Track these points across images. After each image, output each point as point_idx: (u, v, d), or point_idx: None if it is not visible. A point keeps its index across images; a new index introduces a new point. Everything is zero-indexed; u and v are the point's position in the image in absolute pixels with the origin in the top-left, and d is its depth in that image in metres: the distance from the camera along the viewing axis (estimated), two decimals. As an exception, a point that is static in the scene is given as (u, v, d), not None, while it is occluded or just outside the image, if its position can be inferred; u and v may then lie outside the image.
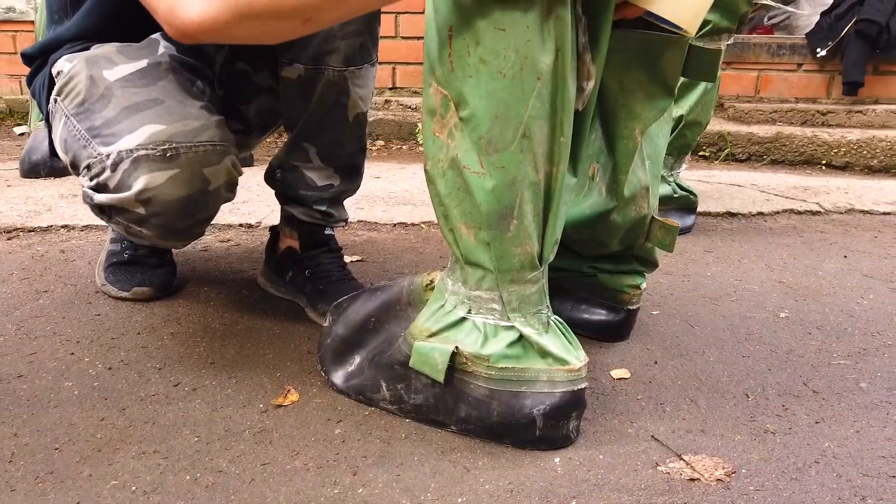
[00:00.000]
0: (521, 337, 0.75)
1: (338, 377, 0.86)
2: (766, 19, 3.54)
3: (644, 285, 1.03)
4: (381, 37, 2.84)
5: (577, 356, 0.75)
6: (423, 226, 1.68)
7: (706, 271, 1.40)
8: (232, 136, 0.89)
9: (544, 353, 0.74)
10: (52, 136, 0.95)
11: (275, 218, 1.61)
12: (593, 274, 1.04)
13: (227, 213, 1.66)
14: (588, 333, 1.05)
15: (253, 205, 1.77)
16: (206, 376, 0.90)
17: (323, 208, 1.10)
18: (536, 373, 0.74)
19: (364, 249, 1.48)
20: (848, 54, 2.71)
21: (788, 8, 3.55)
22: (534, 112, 0.66)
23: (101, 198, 0.84)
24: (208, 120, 0.85)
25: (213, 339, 1.01)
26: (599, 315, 1.05)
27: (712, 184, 2.21)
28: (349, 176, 1.10)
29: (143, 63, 0.88)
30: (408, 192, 1.97)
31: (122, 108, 0.83)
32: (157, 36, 0.97)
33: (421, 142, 2.99)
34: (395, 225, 1.68)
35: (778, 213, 1.92)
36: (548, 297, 0.77)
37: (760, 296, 1.27)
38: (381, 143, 2.88)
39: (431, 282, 0.83)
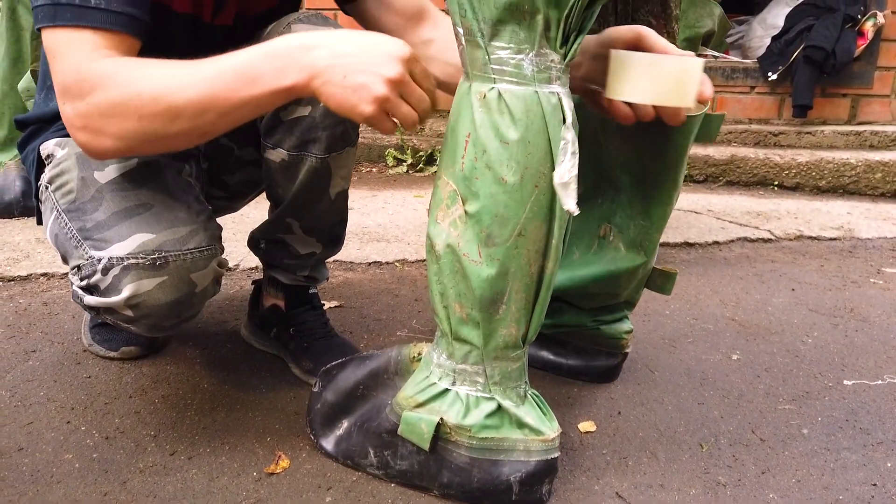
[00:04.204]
0: (500, 408, 0.82)
1: (327, 442, 0.93)
2: (720, 39, 3.68)
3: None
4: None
5: (551, 427, 0.83)
6: (396, 264, 1.74)
7: (665, 309, 1.50)
8: (219, 230, 0.94)
9: (521, 425, 0.82)
10: (43, 221, 0.97)
11: (253, 259, 1.65)
12: (596, 327, 1.12)
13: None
14: (590, 380, 1.14)
15: (230, 245, 1.80)
16: (200, 443, 0.95)
17: (306, 273, 1.16)
18: (514, 442, 0.82)
19: (341, 293, 1.54)
20: (797, 78, 2.85)
21: (741, 27, 3.70)
22: (531, 214, 0.74)
23: (90, 300, 0.88)
24: (196, 223, 0.89)
25: (202, 401, 1.07)
26: (600, 362, 1.15)
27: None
28: (331, 244, 1.16)
29: (133, 163, 0.91)
30: (381, 227, 2.03)
31: (113, 213, 0.87)
32: None
33: (391, 164, 3.05)
34: (370, 264, 1.74)
35: (732, 241, 2.03)
36: (527, 372, 0.85)
37: (715, 336, 1.36)
38: (351, 167, 2.92)
39: (419, 354, 0.90)
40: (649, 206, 0.95)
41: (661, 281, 1.05)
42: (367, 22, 1.08)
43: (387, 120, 0.74)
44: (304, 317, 1.18)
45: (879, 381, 1.19)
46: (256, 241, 1.18)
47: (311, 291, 1.21)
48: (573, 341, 1.15)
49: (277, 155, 1.05)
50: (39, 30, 0.78)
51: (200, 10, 0.96)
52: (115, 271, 0.85)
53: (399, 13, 1.05)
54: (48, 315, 1.37)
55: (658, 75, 0.70)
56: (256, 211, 1.43)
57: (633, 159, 0.94)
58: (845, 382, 1.18)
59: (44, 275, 1.58)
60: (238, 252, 1.75)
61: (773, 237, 2.07)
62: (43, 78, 1.05)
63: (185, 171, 1.00)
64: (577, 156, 0.72)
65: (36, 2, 0.78)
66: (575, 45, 0.72)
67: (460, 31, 0.74)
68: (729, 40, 3.64)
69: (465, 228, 0.76)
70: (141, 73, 0.74)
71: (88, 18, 0.76)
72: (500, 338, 0.79)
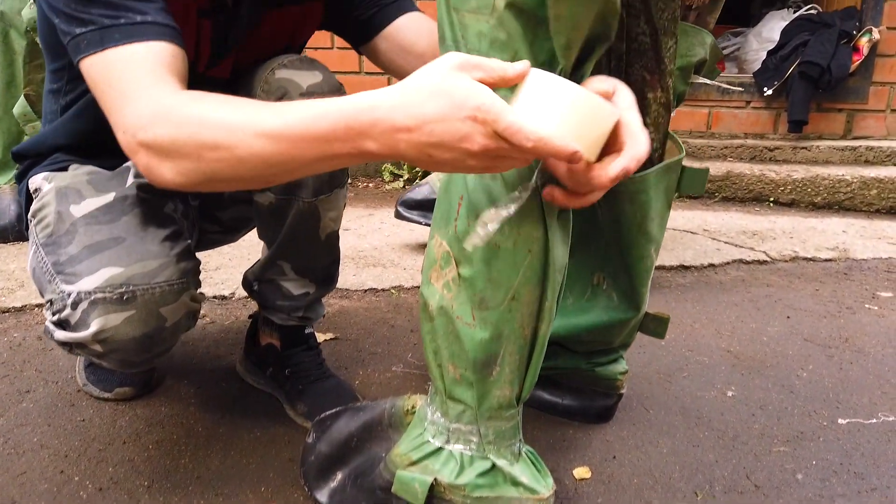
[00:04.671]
0: (495, 467, 0.82)
1: (321, 494, 0.92)
2: (716, 50, 3.68)
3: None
4: (346, 72, 2.88)
5: (545, 485, 0.83)
6: (392, 291, 1.74)
7: (660, 340, 1.50)
8: (194, 264, 0.92)
9: (516, 483, 0.82)
10: (27, 255, 0.97)
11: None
12: (591, 369, 1.12)
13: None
14: (585, 420, 1.14)
15: (226, 272, 1.80)
16: (194, 494, 0.95)
17: (300, 314, 1.15)
18: (508, 501, 0.82)
19: (337, 324, 1.54)
20: (792, 94, 2.85)
21: (737, 39, 3.71)
22: (524, 279, 0.74)
23: (60, 335, 0.86)
24: (167, 257, 0.87)
25: (196, 446, 1.06)
26: (595, 403, 1.14)
27: (668, 229, 2.32)
28: (324, 283, 1.16)
29: (110, 197, 0.90)
30: (377, 251, 2.03)
31: (84, 247, 0.85)
32: (130, 163, 0.98)
33: (387, 179, 3.05)
34: (365, 291, 1.74)
35: (728, 263, 2.03)
36: (521, 429, 0.85)
37: (710, 370, 1.36)
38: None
39: (413, 407, 0.90)
40: (628, 263, 0.95)
41: (654, 325, 1.05)
42: (382, 64, 1.07)
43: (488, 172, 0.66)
44: (299, 357, 1.18)
45: (874, 420, 1.19)
46: (250, 283, 1.18)
47: (307, 331, 1.21)
48: (569, 382, 1.15)
49: (266, 198, 1.05)
50: (79, 61, 0.75)
51: (196, 62, 0.96)
52: (83, 306, 0.83)
53: (418, 55, 1.02)
54: (42, 351, 1.37)
55: (568, 105, 0.61)
56: (254, 234, 1.42)
57: (607, 215, 0.94)
58: (840, 421, 1.18)
59: (39, 305, 1.57)
60: (233, 279, 1.75)
61: (768, 259, 2.08)
62: (45, 115, 1.05)
63: (169, 206, 0.99)
64: (515, 206, 0.71)
65: (73, 33, 0.75)
66: None
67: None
68: (725, 52, 3.66)
69: (459, 291, 0.75)
70: (205, 112, 0.69)
71: (138, 34, 0.74)
72: (495, 399, 0.79)
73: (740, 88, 2.99)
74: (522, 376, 0.80)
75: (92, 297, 0.83)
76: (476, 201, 0.72)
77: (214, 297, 1.65)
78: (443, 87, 0.60)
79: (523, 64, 0.62)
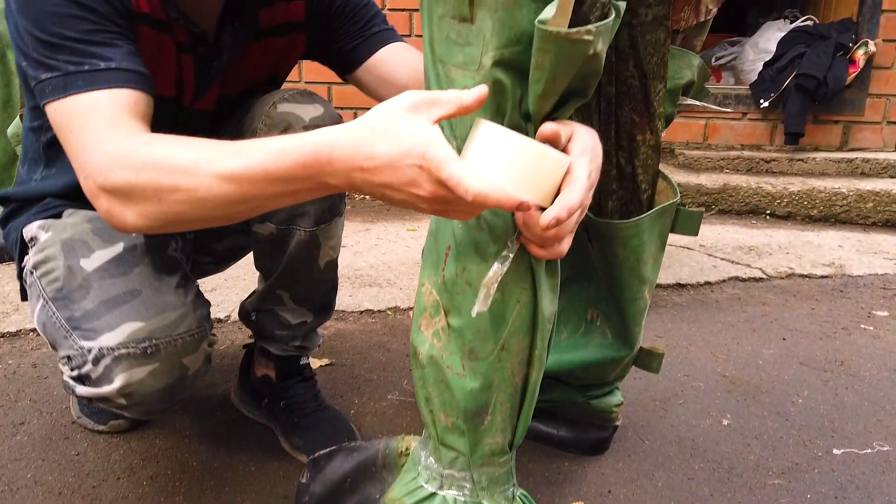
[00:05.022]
0: (487, 511, 0.82)
1: (315, 535, 0.92)
2: (713, 60, 3.69)
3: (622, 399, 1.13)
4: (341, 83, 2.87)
5: (537, 530, 0.83)
6: (388, 312, 1.74)
7: (657, 363, 1.50)
8: (207, 308, 0.94)
9: (507, 528, 0.82)
10: (30, 307, 0.97)
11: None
12: (586, 402, 1.12)
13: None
14: (580, 452, 1.14)
15: (221, 293, 1.80)
16: (189, 534, 0.95)
17: (298, 343, 1.15)
18: (501, 546, 0.81)
19: (332, 348, 1.54)
20: (789, 106, 2.86)
21: (734, 49, 3.71)
22: (513, 329, 0.74)
23: (83, 391, 0.87)
24: (185, 306, 0.88)
25: (191, 481, 1.06)
26: (590, 434, 1.15)
27: (664, 244, 2.32)
28: (322, 311, 1.16)
29: (119, 248, 0.91)
30: (373, 269, 2.03)
31: (101, 302, 0.86)
32: None
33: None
34: (361, 313, 1.74)
35: (724, 281, 2.03)
36: (514, 473, 0.85)
37: (706, 396, 1.36)
38: (344, 196, 2.92)
39: (407, 448, 0.90)
40: (621, 305, 0.95)
41: (649, 360, 1.05)
42: (368, 93, 1.08)
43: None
44: (294, 389, 1.18)
45: (868, 450, 1.19)
46: (247, 312, 1.18)
47: (303, 362, 1.20)
48: (564, 413, 1.15)
49: (266, 228, 1.05)
50: (44, 105, 0.76)
51: (181, 96, 0.96)
52: (105, 361, 0.84)
53: (393, 83, 1.04)
54: (37, 379, 1.37)
55: (515, 157, 0.61)
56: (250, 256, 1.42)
57: (599, 258, 0.94)
58: (835, 451, 1.18)
59: (34, 330, 1.57)
60: (229, 301, 1.75)
61: (764, 276, 2.08)
62: (25, 152, 1.04)
63: (172, 246, 0.99)
64: (509, 262, 0.70)
65: (39, 78, 0.76)
66: None
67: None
68: (722, 61, 3.66)
69: (448, 341, 0.75)
70: (164, 154, 0.69)
71: (102, 81, 0.75)
72: (487, 446, 0.79)
73: (728, 109, 3.00)
74: (514, 423, 0.79)
75: (115, 353, 0.83)
76: (464, 254, 0.72)
77: (210, 320, 1.65)
78: (394, 129, 0.61)
79: (479, 89, 0.62)
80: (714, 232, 2.52)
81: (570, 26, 0.64)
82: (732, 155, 2.98)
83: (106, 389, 0.85)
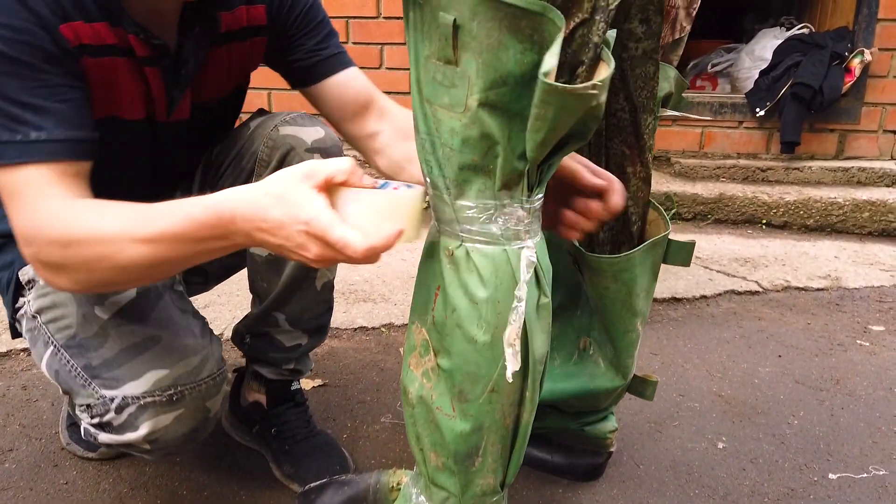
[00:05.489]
0: (478, 550, 0.81)
1: (305, 570, 0.91)
2: (709, 66, 3.69)
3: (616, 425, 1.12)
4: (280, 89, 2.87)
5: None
6: (383, 329, 1.73)
7: (652, 383, 1.49)
8: (221, 345, 0.94)
9: (499, 566, 0.81)
10: (34, 352, 0.94)
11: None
12: (580, 428, 1.11)
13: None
14: (574, 478, 1.13)
15: (215, 310, 1.79)
16: (178, 569, 0.94)
17: (291, 366, 1.15)
18: (492, 584, 0.81)
19: (325, 367, 1.53)
20: (785, 115, 2.85)
21: (730, 56, 3.71)
22: (503, 371, 0.73)
23: (105, 437, 0.86)
24: (205, 349, 0.88)
25: (181, 512, 1.05)
26: (585, 460, 1.14)
27: (660, 256, 2.31)
28: (317, 334, 1.16)
29: (132, 293, 0.89)
30: (368, 283, 2.02)
31: (121, 350, 0.85)
32: None
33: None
34: (355, 330, 1.73)
35: (720, 294, 2.03)
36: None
37: (701, 417, 1.36)
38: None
39: (398, 483, 0.89)
40: (613, 337, 0.94)
41: (643, 387, 1.04)
42: (317, 107, 1.10)
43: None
44: (286, 416, 1.17)
45: (864, 475, 1.18)
46: (241, 335, 1.18)
47: (294, 388, 1.20)
48: (558, 439, 1.14)
49: (263, 250, 1.05)
50: None
51: (154, 113, 0.94)
52: (130, 409, 0.84)
53: (344, 108, 1.06)
54: (27, 402, 1.35)
55: (376, 212, 0.69)
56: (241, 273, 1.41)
57: (590, 289, 0.93)
58: (830, 476, 1.17)
59: (24, 350, 1.56)
60: (222, 318, 1.74)
61: (760, 289, 2.07)
62: None
63: (176, 279, 0.99)
64: (523, 312, 0.70)
65: None
66: (539, 197, 0.71)
67: (428, 181, 0.73)
68: (717, 68, 3.66)
69: (438, 381, 0.74)
70: (88, 226, 0.73)
71: (31, 153, 0.75)
72: (478, 487, 0.78)
73: (738, 96, 3.01)
74: (506, 464, 0.79)
75: (141, 402, 0.84)
76: (453, 295, 0.71)
77: (203, 339, 1.64)
78: (285, 195, 0.66)
79: (347, 164, 0.68)
80: (710, 242, 2.51)
81: (561, 67, 0.63)
82: (728, 163, 2.97)
83: (131, 437, 0.85)
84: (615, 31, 0.71)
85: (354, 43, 2.93)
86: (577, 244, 0.89)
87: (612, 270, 0.85)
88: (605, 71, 0.63)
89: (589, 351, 1.01)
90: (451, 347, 0.72)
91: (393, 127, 1.05)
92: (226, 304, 1.83)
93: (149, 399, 0.83)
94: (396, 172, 1.02)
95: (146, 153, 0.97)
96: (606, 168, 0.87)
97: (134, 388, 0.83)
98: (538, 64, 0.62)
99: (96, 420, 0.86)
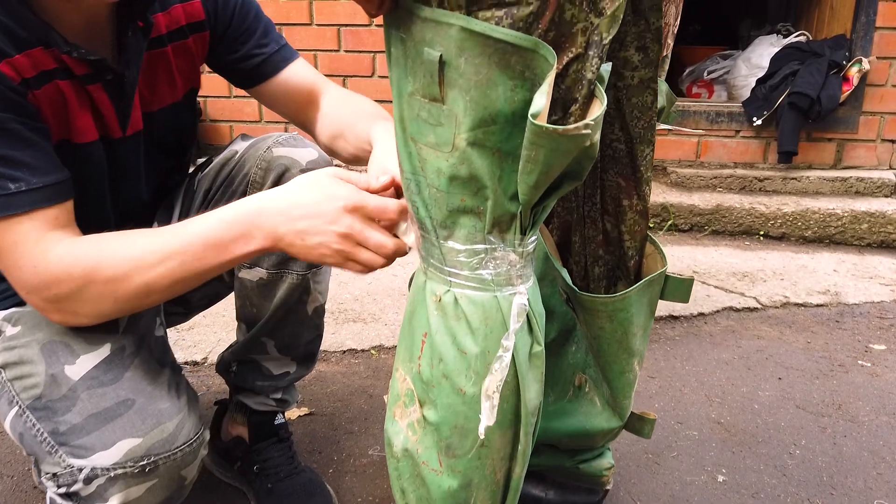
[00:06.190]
0: None
1: None
2: (706, 73, 3.66)
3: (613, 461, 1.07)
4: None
5: None
6: (372, 352, 1.69)
7: (648, 406, 1.44)
8: (198, 400, 0.88)
9: None
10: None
11: (224, 346, 1.59)
12: (575, 466, 1.06)
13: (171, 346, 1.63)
14: None
15: (199, 333, 1.74)
16: None
17: (278, 396, 1.11)
18: None
19: (312, 394, 1.48)
20: (782, 125, 2.81)
21: (727, 62, 3.68)
22: (494, 423, 0.68)
23: None
24: (181, 412, 0.82)
25: (157, 557, 1.00)
26: (580, 498, 1.09)
27: (656, 271, 2.27)
28: (305, 362, 1.13)
29: (106, 350, 0.83)
30: (358, 302, 1.97)
31: (90, 416, 0.78)
32: None
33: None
34: (344, 353, 1.68)
35: (718, 311, 1.98)
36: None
37: (700, 447, 1.31)
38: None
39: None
40: (609, 377, 0.89)
41: (640, 425, 1.00)
42: (269, 105, 1.09)
43: (353, 265, 0.76)
44: (269, 452, 1.12)
45: (870, 510, 1.14)
46: (227, 364, 1.14)
47: (278, 422, 1.15)
48: (553, 476, 1.09)
49: (255, 274, 1.02)
50: None
51: (107, 132, 0.88)
52: (99, 481, 0.77)
53: (293, 100, 1.07)
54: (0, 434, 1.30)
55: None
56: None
57: (585, 329, 0.89)
58: (834, 512, 1.13)
59: None
60: (207, 341, 1.69)
61: (759, 305, 2.03)
62: None
63: (157, 322, 0.95)
64: (507, 366, 0.66)
65: None
66: (532, 240, 0.67)
67: (416, 221, 0.69)
68: (714, 75, 3.62)
69: (424, 434, 0.70)
70: (104, 254, 0.75)
71: (16, 205, 0.73)
72: (467, 544, 0.73)
73: (735, 104, 2.97)
74: (498, 518, 0.74)
75: (111, 474, 0.77)
76: (440, 344, 0.67)
77: (185, 362, 1.59)
78: (317, 183, 0.75)
79: (386, 177, 0.77)
80: (707, 255, 2.47)
81: (554, 104, 0.59)
82: (725, 173, 2.94)
83: None
84: (610, 63, 0.66)
85: (346, 51, 2.89)
86: (570, 283, 0.84)
87: (606, 310, 0.81)
88: (597, 108, 0.58)
89: (585, 388, 0.97)
90: (437, 399, 0.68)
91: (332, 103, 1.05)
92: (211, 326, 1.78)
93: (120, 471, 0.76)
94: (343, 147, 1.03)
95: (104, 175, 0.91)
96: (601, 200, 0.83)
97: (104, 458, 0.76)
98: (529, 101, 0.58)
99: (63, 490, 0.79)
